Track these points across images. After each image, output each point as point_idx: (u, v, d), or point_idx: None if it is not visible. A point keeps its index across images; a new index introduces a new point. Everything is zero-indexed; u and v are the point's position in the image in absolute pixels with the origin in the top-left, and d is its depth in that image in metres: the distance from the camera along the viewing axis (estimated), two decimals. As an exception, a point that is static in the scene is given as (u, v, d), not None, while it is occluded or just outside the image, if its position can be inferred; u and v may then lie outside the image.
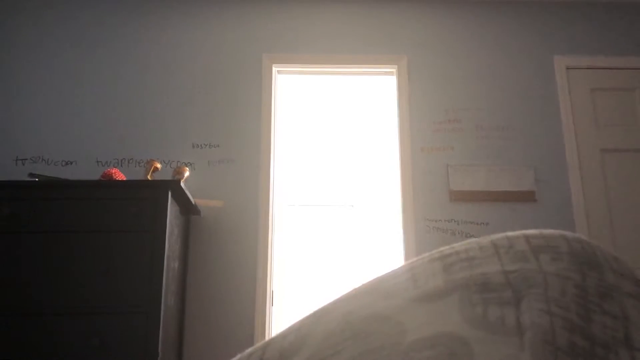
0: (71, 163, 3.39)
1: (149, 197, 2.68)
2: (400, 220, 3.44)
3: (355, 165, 6.16)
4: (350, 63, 3.63)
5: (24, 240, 2.60)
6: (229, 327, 3.16)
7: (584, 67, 3.68)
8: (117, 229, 2.63)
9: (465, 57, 3.69)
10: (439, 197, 3.41)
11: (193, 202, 3.09)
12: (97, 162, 3.40)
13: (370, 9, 3.76)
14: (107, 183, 2.70)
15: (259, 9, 3.73)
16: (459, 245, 0.54)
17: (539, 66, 3.68)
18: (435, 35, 3.72)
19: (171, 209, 2.77)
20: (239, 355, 0.54)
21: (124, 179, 3.05)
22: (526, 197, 3.41)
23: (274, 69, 3.64)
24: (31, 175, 2.92)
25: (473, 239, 0.54)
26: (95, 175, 3.37)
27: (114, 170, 2.96)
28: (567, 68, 3.68)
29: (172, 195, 2.80)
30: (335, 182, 6.16)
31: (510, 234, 0.53)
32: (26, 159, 3.38)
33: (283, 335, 0.52)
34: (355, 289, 0.55)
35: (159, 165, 3.18)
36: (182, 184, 2.79)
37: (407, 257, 3.32)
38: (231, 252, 3.28)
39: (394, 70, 3.70)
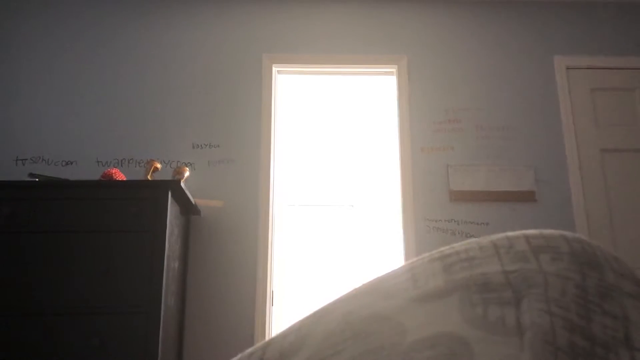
0: (71, 163, 3.39)
1: (149, 197, 2.68)
2: (400, 220, 3.44)
3: (355, 165, 6.16)
4: (350, 63, 3.63)
5: (24, 240, 2.60)
6: (229, 327, 3.16)
7: (584, 67, 3.68)
8: (117, 229, 2.63)
9: (465, 57, 3.69)
10: (439, 197, 3.41)
11: (193, 202, 3.09)
12: (97, 162, 3.40)
13: (370, 9, 3.76)
14: (107, 183, 2.70)
15: (259, 9, 3.73)
16: (459, 245, 0.54)
17: (539, 66, 3.68)
18: (435, 35, 3.72)
19: (171, 209, 2.77)
20: (239, 355, 0.54)
21: (124, 179, 3.05)
22: (526, 197, 3.41)
23: (274, 69, 3.64)
24: (31, 175, 2.92)
25: (473, 239, 0.54)
26: (95, 175, 3.37)
27: (114, 171, 2.96)
28: (567, 68, 3.68)
29: (172, 195, 2.80)
30: (335, 182, 6.16)
31: (510, 234, 0.53)
32: (26, 159, 3.39)
33: (283, 335, 0.52)
34: (355, 289, 0.55)
35: (159, 165, 3.18)
36: (182, 184, 2.79)
37: (407, 257, 3.32)
38: (231, 252, 3.28)
39: (394, 70, 3.70)
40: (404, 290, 0.49)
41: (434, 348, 0.40)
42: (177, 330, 2.96)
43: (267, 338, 3.12)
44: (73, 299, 2.53)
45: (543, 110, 3.59)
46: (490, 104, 3.59)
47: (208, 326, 3.16)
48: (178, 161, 3.42)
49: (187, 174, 3.23)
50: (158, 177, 3.37)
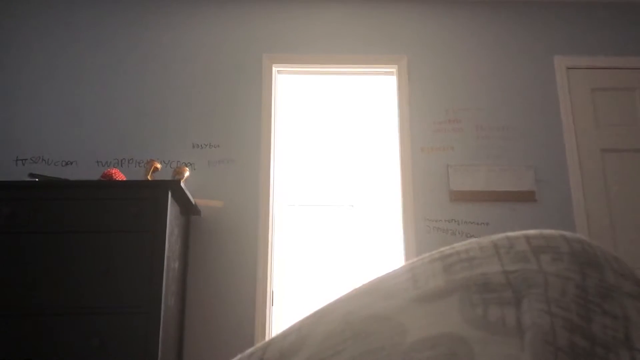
0: (71, 163, 3.39)
1: (149, 197, 2.68)
2: (400, 220, 3.44)
3: (355, 165, 6.16)
4: (350, 63, 3.63)
5: (24, 240, 2.60)
6: (229, 327, 3.16)
7: (584, 67, 3.68)
8: (117, 229, 2.63)
9: (465, 57, 3.69)
10: (439, 197, 3.41)
11: (193, 202, 3.09)
12: (97, 162, 3.40)
13: (370, 9, 3.77)
14: (107, 183, 2.70)
15: (259, 9, 3.73)
16: (459, 245, 0.54)
17: (539, 66, 3.68)
18: (435, 35, 3.72)
19: (171, 209, 2.77)
20: (239, 356, 0.54)
21: (124, 179, 3.05)
22: (526, 197, 3.41)
23: (274, 69, 3.64)
24: (31, 175, 2.92)
25: (473, 239, 0.54)
26: (95, 175, 3.37)
27: (114, 171, 2.96)
28: (568, 68, 3.68)
29: (172, 196, 2.80)
30: (335, 182, 6.16)
31: (510, 234, 0.53)
32: (26, 159, 3.39)
33: (283, 336, 0.52)
34: (355, 289, 0.55)
35: (159, 166, 3.18)
36: (182, 184, 2.79)
37: (407, 257, 3.32)
38: (231, 252, 3.28)
39: (394, 70, 3.70)
40: (404, 290, 0.49)
41: (434, 348, 0.40)
42: (177, 330, 2.96)
43: (267, 338, 3.13)
44: (73, 299, 2.53)
45: (543, 110, 3.59)
46: (490, 104, 3.59)
47: (208, 326, 3.16)
48: (178, 161, 3.42)
49: (187, 174, 3.23)
50: (158, 177, 3.37)
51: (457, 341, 0.40)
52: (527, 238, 0.51)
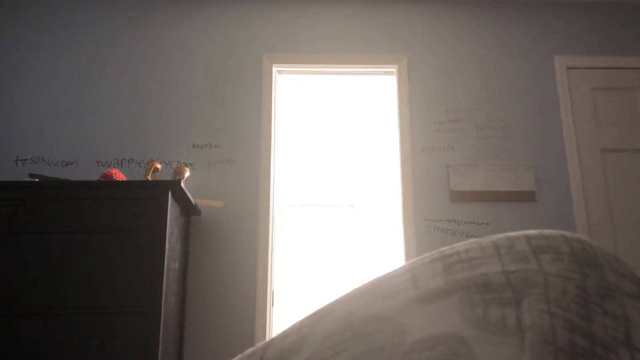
0: (71, 163, 3.39)
1: (149, 197, 2.68)
2: (400, 220, 3.44)
3: (355, 166, 6.16)
4: (350, 63, 3.63)
5: (24, 240, 2.60)
6: (230, 327, 3.16)
7: (585, 67, 3.68)
8: (117, 229, 2.63)
9: (465, 57, 3.69)
10: (440, 197, 3.41)
11: (193, 203, 3.09)
12: (97, 162, 3.40)
13: (370, 9, 3.77)
14: (108, 183, 2.70)
15: (259, 9, 3.73)
16: (459, 245, 0.54)
17: (539, 66, 3.68)
18: (435, 35, 3.72)
19: (171, 209, 2.77)
20: (239, 356, 0.54)
21: (124, 179, 3.05)
22: (526, 197, 3.41)
23: (274, 69, 3.64)
24: (31, 175, 2.92)
25: (474, 239, 0.54)
26: (95, 175, 3.37)
27: (114, 171, 2.96)
28: (568, 68, 3.67)
29: (172, 196, 2.80)
30: (335, 182, 6.16)
31: (510, 234, 0.53)
32: (26, 160, 3.39)
33: (284, 336, 0.52)
34: (355, 289, 0.55)
35: (159, 166, 3.18)
36: (182, 184, 2.79)
37: (407, 258, 3.32)
38: (231, 252, 3.28)
39: (394, 70, 3.70)
40: (404, 290, 0.49)
41: (435, 348, 0.40)
42: (178, 330, 2.96)
43: (267, 338, 3.13)
44: (73, 299, 2.53)
45: (543, 110, 3.59)
46: (490, 104, 3.59)
47: (208, 326, 3.16)
48: (178, 161, 3.42)
49: (187, 174, 3.23)
50: (158, 177, 3.37)
51: (457, 341, 0.40)
52: (527, 238, 0.51)
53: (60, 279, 2.55)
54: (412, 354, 0.40)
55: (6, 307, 2.50)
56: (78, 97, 3.52)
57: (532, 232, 0.52)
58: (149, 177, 3.13)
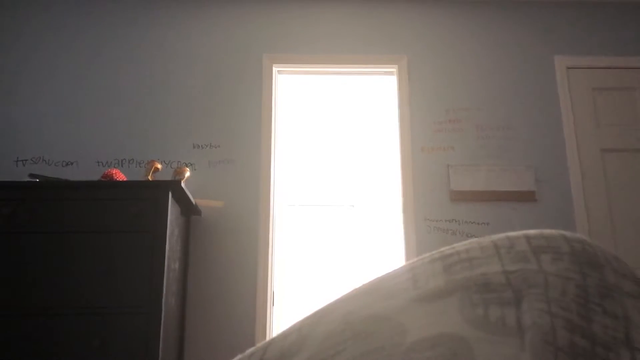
0: (71, 164, 3.39)
1: (149, 197, 2.68)
2: (400, 220, 3.44)
3: (355, 165, 6.16)
4: (350, 63, 3.63)
5: (24, 240, 2.60)
6: (230, 327, 3.16)
7: (585, 66, 3.67)
8: (117, 229, 2.63)
9: (465, 57, 3.69)
10: (440, 197, 3.41)
11: (193, 203, 3.09)
12: (98, 162, 3.40)
13: (370, 9, 3.76)
14: (108, 183, 2.70)
15: (259, 9, 3.73)
16: (459, 245, 0.54)
17: (539, 66, 3.68)
18: (435, 35, 3.72)
19: (172, 209, 2.77)
20: (239, 356, 0.54)
21: (125, 179, 3.05)
22: (527, 197, 3.40)
23: (274, 69, 3.64)
24: (31, 175, 2.92)
25: (474, 239, 0.54)
26: (95, 175, 3.37)
27: (114, 171, 2.96)
28: (568, 68, 3.67)
29: (172, 196, 2.80)
30: (335, 182, 6.16)
31: (511, 234, 0.53)
32: (27, 160, 3.39)
33: (284, 336, 0.52)
34: (355, 289, 0.55)
35: (159, 166, 3.18)
36: (182, 185, 2.79)
37: (407, 258, 3.32)
38: (232, 252, 3.28)
39: (394, 70, 3.70)
40: (404, 290, 0.49)
41: (435, 348, 0.40)
42: (178, 330, 2.96)
43: (267, 338, 3.12)
44: (73, 299, 2.53)
45: (543, 110, 3.59)
46: (490, 104, 3.59)
47: (209, 326, 3.16)
48: (178, 161, 3.42)
49: (187, 174, 3.23)
50: (158, 177, 3.37)
51: (457, 341, 0.40)
52: (528, 238, 0.51)
53: (60, 279, 2.55)
54: (412, 354, 0.40)
55: (6, 307, 2.50)
56: (78, 97, 3.52)
57: (532, 232, 0.52)
58: (149, 177, 3.13)
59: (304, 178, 6.14)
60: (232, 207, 3.35)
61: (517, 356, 0.38)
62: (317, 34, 3.69)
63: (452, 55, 3.69)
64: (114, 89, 3.54)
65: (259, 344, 0.54)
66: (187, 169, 3.25)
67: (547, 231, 0.52)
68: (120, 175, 2.97)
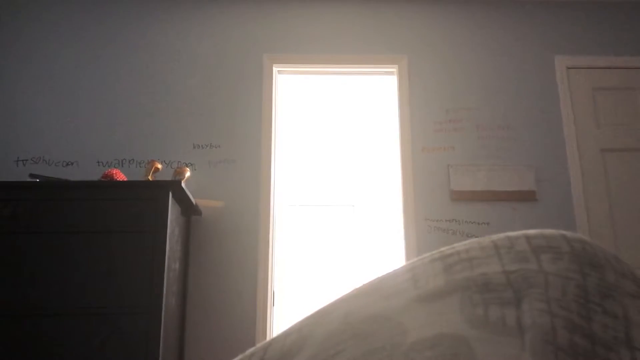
0: (72, 164, 3.39)
1: (149, 197, 2.68)
2: (401, 220, 3.44)
3: (356, 166, 6.16)
4: (350, 63, 3.63)
5: (24, 240, 2.60)
6: (230, 327, 3.16)
7: (585, 66, 3.67)
8: (117, 229, 2.63)
9: (465, 57, 3.69)
10: (440, 197, 3.41)
11: (194, 203, 3.09)
12: (98, 162, 3.40)
13: (370, 9, 3.77)
14: (108, 183, 2.70)
15: (259, 9, 3.74)
16: (460, 245, 0.54)
17: (539, 66, 3.68)
18: (435, 35, 3.72)
19: (172, 209, 2.78)
20: (240, 356, 0.54)
21: (125, 179, 3.05)
22: (527, 196, 3.40)
23: (275, 69, 3.64)
24: (32, 175, 2.92)
25: (474, 239, 0.54)
26: (95, 175, 3.37)
27: (114, 171, 2.96)
28: (568, 68, 3.67)
29: (172, 196, 2.80)
30: (336, 182, 6.16)
31: (511, 234, 0.53)
32: (27, 160, 3.39)
33: (284, 336, 0.52)
34: (355, 290, 0.55)
35: (159, 166, 3.19)
36: (182, 185, 2.79)
37: (408, 257, 3.32)
38: (232, 252, 3.28)
39: (394, 70, 3.70)
40: (404, 290, 0.49)
41: (435, 348, 0.40)
42: (178, 330, 2.96)
43: (268, 338, 3.13)
44: (73, 299, 2.53)
45: (544, 110, 3.59)
46: (490, 104, 3.59)
47: (209, 326, 3.16)
48: (179, 161, 3.42)
49: (187, 174, 3.23)
50: (159, 177, 3.37)
51: (458, 341, 0.40)
52: (528, 238, 0.51)
53: (60, 279, 2.55)
54: (413, 354, 0.40)
55: (6, 307, 2.51)
56: (78, 97, 3.52)
57: (532, 231, 0.52)
58: (150, 177, 3.13)
59: (304, 178, 6.14)
60: (232, 207, 3.35)
61: (518, 356, 0.38)
62: (317, 33, 3.69)
63: (452, 55, 3.69)
64: (114, 89, 3.54)
65: (259, 344, 0.54)
66: (187, 169, 3.25)
67: (547, 231, 0.52)
68: (120, 176, 2.97)
